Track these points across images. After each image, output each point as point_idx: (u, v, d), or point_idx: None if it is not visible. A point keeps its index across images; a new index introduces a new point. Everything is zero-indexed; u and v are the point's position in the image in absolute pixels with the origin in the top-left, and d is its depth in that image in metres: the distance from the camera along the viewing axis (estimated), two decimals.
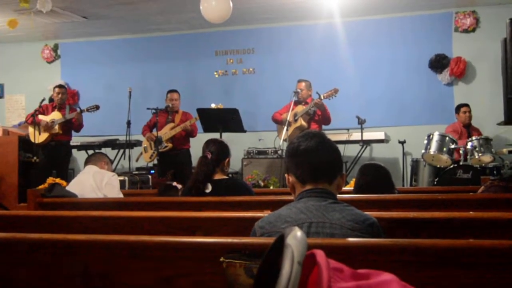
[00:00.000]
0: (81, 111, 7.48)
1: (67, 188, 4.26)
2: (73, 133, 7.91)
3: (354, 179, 6.09)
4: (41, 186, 4.74)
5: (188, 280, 1.76)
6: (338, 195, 2.04)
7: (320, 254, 0.96)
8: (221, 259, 1.60)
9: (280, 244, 0.96)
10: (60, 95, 7.65)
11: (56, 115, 7.51)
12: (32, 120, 7.39)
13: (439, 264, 1.58)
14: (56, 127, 7.43)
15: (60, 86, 7.84)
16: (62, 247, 1.93)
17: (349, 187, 5.73)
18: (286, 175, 2.08)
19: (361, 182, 3.53)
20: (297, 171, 1.99)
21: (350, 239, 1.71)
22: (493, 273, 1.54)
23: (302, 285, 0.93)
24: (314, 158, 1.96)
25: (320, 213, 1.86)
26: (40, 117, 7.43)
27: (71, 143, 8.35)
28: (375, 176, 3.56)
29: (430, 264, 1.58)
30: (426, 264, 1.58)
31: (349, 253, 1.63)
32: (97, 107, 7.54)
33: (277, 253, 0.96)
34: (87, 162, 4.73)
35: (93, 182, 4.32)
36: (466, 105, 7.36)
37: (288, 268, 0.89)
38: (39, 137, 7.37)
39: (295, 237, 0.95)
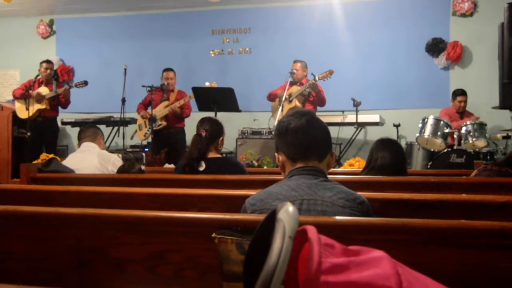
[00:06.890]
0: (70, 86, 7.46)
1: (63, 163, 4.16)
2: (69, 109, 7.88)
3: (347, 162, 6.10)
4: (34, 162, 4.71)
5: (180, 255, 1.76)
6: (331, 176, 2.04)
7: (311, 230, 0.96)
8: (213, 235, 1.60)
9: (272, 220, 0.96)
10: (48, 71, 7.62)
11: (43, 90, 7.47)
12: (21, 94, 7.36)
13: (430, 243, 1.59)
14: (44, 102, 7.40)
15: (47, 62, 7.81)
16: (54, 220, 1.93)
17: (343, 168, 5.72)
18: (276, 154, 2.08)
19: (381, 160, 3.31)
20: (287, 149, 1.99)
21: (342, 217, 1.72)
22: (483, 253, 1.55)
23: (293, 260, 0.93)
24: (304, 136, 1.96)
25: (312, 191, 1.87)
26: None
27: (65, 120, 8.35)
28: (398, 154, 3.36)
29: (421, 243, 1.59)
30: (417, 243, 1.59)
31: (340, 231, 1.63)
32: (85, 83, 7.51)
33: (269, 229, 0.96)
34: (82, 137, 4.51)
35: (97, 164, 4.20)
36: (464, 93, 7.26)
37: (279, 242, 0.89)
38: (27, 112, 7.32)
39: (287, 211, 0.95)
